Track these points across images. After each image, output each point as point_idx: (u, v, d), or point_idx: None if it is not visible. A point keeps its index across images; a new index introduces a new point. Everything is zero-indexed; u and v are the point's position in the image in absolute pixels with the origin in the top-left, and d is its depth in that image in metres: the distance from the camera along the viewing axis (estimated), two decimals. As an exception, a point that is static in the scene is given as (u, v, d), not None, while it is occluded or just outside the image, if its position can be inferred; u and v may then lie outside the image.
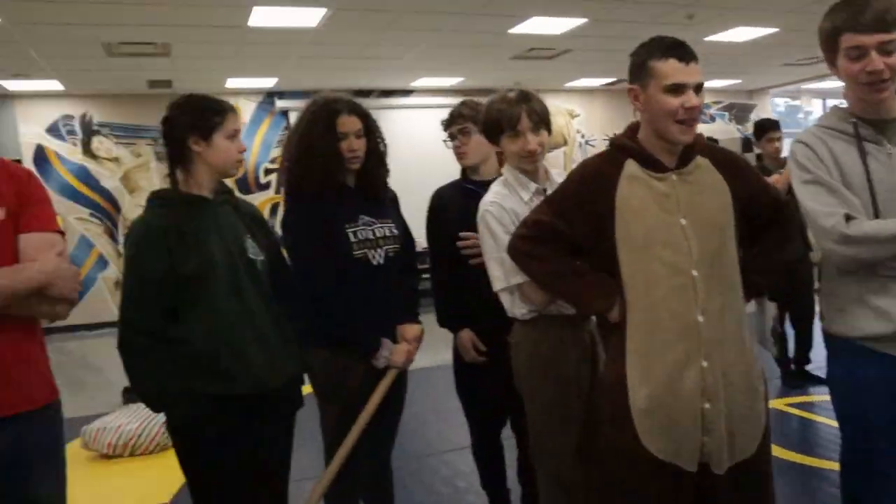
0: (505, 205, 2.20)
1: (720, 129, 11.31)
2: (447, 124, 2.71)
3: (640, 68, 1.84)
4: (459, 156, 2.70)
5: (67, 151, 8.55)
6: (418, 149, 9.07)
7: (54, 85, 7.87)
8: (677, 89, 1.79)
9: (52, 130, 8.48)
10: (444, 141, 2.75)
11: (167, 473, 3.72)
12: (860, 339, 1.87)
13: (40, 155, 8.42)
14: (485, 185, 2.38)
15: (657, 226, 1.85)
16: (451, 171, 2.82)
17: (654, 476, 1.84)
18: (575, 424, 2.09)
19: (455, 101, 2.84)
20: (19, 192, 1.80)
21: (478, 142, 2.58)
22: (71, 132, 8.55)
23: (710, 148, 1.98)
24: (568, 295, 2.02)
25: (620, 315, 1.88)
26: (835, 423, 2.09)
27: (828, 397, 2.08)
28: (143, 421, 4.17)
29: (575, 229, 1.91)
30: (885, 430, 1.87)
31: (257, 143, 9.20)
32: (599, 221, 1.88)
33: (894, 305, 1.81)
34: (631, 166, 1.89)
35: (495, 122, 2.24)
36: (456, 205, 2.63)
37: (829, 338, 1.99)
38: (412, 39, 6.94)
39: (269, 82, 8.59)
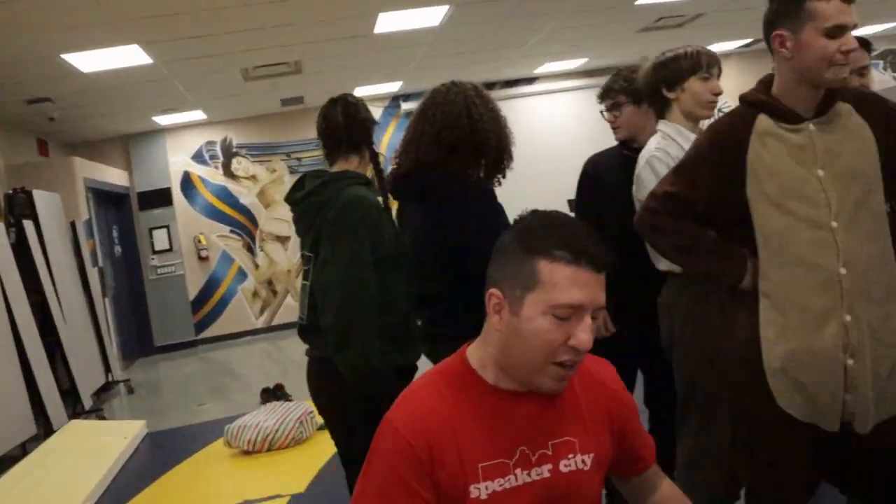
0: (670, 151, 2.20)
1: (874, 80, 10.41)
2: (601, 97, 2.72)
3: (794, 10, 1.69)
4: (614, 129, 2.71)
5: (210, 174, 9.17)
6: (546, 135, 9.00)
7: (198, 115, 8.42)
8: (839, 31, 1.65)
9: (197, 156, 9.13)
10: (601, 112, 2.76)
11: (303, 464, 4.04)
12: None
13: (186, 180, 9.10)
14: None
15: (792, 180, 1.75)
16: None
17: (795, 440, 1.77)
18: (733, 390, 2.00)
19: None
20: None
21: (630, 113, 2.61)
22: (213, 156, 9.17)
23: (853, 92, 1.85)
24: (698, 270, 1.97)
25: (752, 283, 1.81)
26: None
27: None
28: (280, 418, 4.43)
29: (706, 195, 1.84)
30: None
31: (383, 147, 9.44)
32: (732, 183, 1.80)
33: None
34: (763, 122, 1.80)
35: (681, 66, 2.26)
36: (613, 171, 2.63)
37: None
38: (534, 24, 6.83)
39: (394, 86, 8.75)
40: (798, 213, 1.75)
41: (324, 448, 4.13)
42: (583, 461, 1.36)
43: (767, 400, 1.77)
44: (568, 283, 1.24)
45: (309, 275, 2.17)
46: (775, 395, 1.76)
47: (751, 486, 1.93)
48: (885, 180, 1.79)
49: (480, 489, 1.28)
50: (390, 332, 2.08)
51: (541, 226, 1.30)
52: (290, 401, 5.06)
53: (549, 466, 1.33)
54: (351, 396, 2.06)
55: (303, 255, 2.24)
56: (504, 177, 2.44)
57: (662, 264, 2.33)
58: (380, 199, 2.25)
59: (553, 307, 1.25)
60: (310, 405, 4.42)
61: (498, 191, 2.48)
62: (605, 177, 2.67)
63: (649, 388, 2.79)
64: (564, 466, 1.34)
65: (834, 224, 1.73)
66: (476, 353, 1.38)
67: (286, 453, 4.31)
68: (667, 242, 1.92)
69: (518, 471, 1.31)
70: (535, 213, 1.34)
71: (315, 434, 4.50)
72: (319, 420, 4.41)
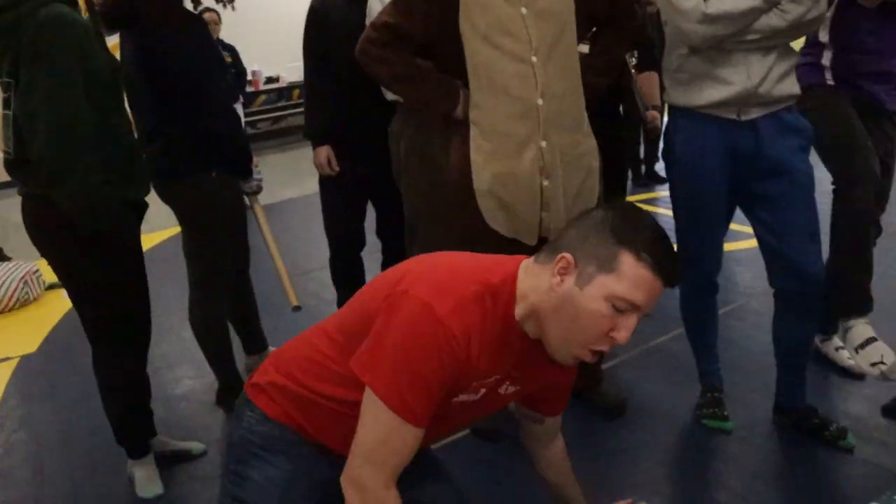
0: None
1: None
2: None
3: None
4: None
5: None
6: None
7: None
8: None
9: None
10: None
11: (32, 325, 3.87)
12: (703, 108, 2.08)
13: None
14: None
15: (499, 16, 1.92)
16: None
17: (500, 249, 2.01)
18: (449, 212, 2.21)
19: None
20: None
21: None
22: None
23: None
24: (414, 98, 2.11)
25: (463, 113, 1.99)
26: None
27: (668, 193, 2.32)
28: (0, 279, 4.14)
29: (423, 26, 1.96)
30: (711, 188, 2.15)
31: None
32: (446, 16, 1.93)
33: (733, 74, 2.02)
34: None
35: None
36: (339, 7, 2.66)
37: (673, 111, 2.20)
38: None
39: None
40: (503, 47, 1.92)
41: (55, 307, 3.97)
42: (515, 392, 1.53)
43: (478, 219, 2.01)
44: (641, 284, 1.30)
45: (11, 103, 1.97)
46: (484, 214, 2.00)
47: None
48: (579, 23, 2.02)
49: (460, 398, 1.41)
50: (112, 164, 1.99)
51: (639, 223, 1.34)
52: (9, 260, 4.68)
53: (503, 388, 1.48)
54: (72, 234, 1.97)
55: (1, 82, 2.03)
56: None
57: (390, 95, 2.49)
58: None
59: (618, 297, 1.29)
60: (35, 264, 4.16)
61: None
62: (332, 13, 2.70)
63: (381, 220, 3.00)
64: (503, 391, 1.49)
65: (534, 59, 1.93)
66: (524, 288, 1.39)
67: (13, 315, 4.07)
68: (385, 72, 2.01)
69: (483, 390, 1.44)
70: (635, 208, 1.40)
71: (44, 294, 4.26)
72: (48, 279, 4.21)
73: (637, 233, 1.32)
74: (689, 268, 2.32)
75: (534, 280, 1.38)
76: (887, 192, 2.57)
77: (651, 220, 1.36)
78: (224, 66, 2.39)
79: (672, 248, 1.36)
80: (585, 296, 1.31)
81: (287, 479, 1.54)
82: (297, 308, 2.43)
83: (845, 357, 2.69)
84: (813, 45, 2.49)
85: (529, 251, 2.03)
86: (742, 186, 2.15)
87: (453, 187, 2.05)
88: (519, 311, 1.38)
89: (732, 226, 2.36)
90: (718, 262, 2.33)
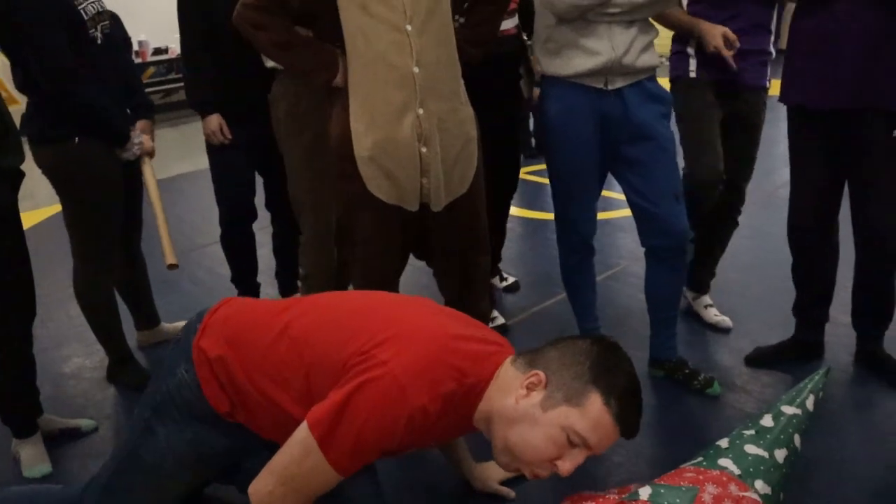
0: None
1: None
2: None
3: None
4: None
5: None
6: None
7: None
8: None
9: None
10: None
11: None
12: (572, 77, 2.21)
13: None
14: None
15: None
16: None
17: (384, 219, 2.10)
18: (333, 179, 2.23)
19: None
20: None
21: None
22: None
23: None
24: (293, 66, 2.13)
25: (343, 80, 2.03)
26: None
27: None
28: None
29: None
30: (582, 153, 2.28)
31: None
32: None
33: (599, 44, 2.15)
34: None
35: None
36: None
37: (545, 79, 2.32)
38: None
39: None
40: (380, 16, 1.96)
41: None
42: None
43: (360, 186, 2.05)
44: (600, 427, 1.36)
45: None
46: (366, 182, 2.04)
47: (350, 261, 2.24)
48: None
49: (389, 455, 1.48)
50: None
51: (618, 369, 1.40)
52: None
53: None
54: None
55: None
56: None
57: (269, 62, 2.48)
58: None
59: (575, 432, 1.36)
60: None
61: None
62: None
63: (269, 190, 2.98)
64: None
65: (409, 27, 1.98)
66: (493, 391, 1.45)
67: None
68: (264, 38, 2.01)
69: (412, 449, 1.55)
70: (619, 351, 1.44)
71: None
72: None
73: (613, 378, 1.38)
74: (565, 231, 2.46)
75: (504, 385, 1.44)
76: (741, 184, 2.79)
77: (630, 368, 1.43)
78: (83, 29, 2.28)
79: (639, 404, 1.42)
80: (545, 419, 1.37)
81: (189, 451, 1.57)
82: (172, 266, 2.38)
83: (713, 314, 2.91)
84: (682, 35, 2.65)
85: (411, 216, 2.11)
86: (612, 152, 2.30)
87: (336, 156, 2.08)
88: (479, 412, 1.46)
89: (614, 195, 2.50)
90: (593, 225, 2.47)
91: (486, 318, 2.61)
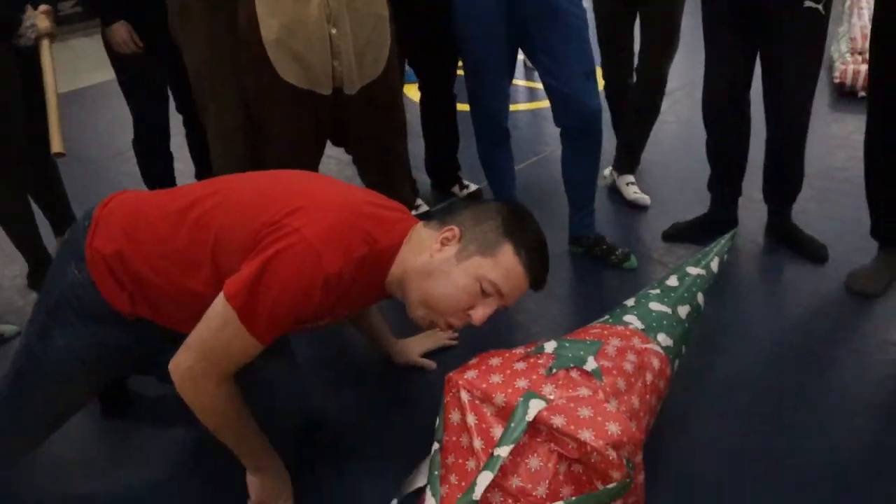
0: None
1: None
2: None
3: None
4: None
5: None
6: None
7: None
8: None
9: None
10: None
11: None
12: None
13: None
14: None
15: None
16: None
17: (295, 109, 2.06)
18: (232, 73, 2.16)
19: None
20: None
21: None
22: None
23: None
24: None
25: None
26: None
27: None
28: None
29: None
30: (488, 33, 2.28)
31: None
32: None
33: None
34: None
35: None
36: None
37: None
38: None
39: None
40: None
41: None
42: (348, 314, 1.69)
43: (270, 72, 2.01)
44: (511, 276, 1.43)
45: None
46: (275, 66, 2.00)
47: (265, 157, 2.20)
48: None
49: (305, 326, 1.48)
50: None
51: (527, 226, 1.47)
52: None
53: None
54: None
55: None
56: None
57: None
58: None
59: (489, 280, 1.41)
60: None
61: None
62: None
63: (178, 99, 2.85)
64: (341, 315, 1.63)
65: None
66: (405, 251, 1.49)
67: None
68: None
69: (326, 320, 1.54)
70: (528, 214, 1.51)
71: None
72: None
73: (523, 233, 1.46)
74: (479, 114, 2.46)
75: (417, 246, 1.49)
76: (662, 68, 2.81)
77: (537, 227, 1.51)
78: None
79: (547, 257, 1.51)
80: (459, 269, 1.43)
81: (88, 353, 1.53)
82: (58, 154, 2.28)
83: (633, 191, 2.98)
84: None
85: (324, 101, 2.08)
86: (521, 32, 2.27)
87: (243, 45, 2.02)
88: (392, 275, 1.49)
89: (540, 85, 2.48)
90: (505, 107, 2.47)
91: (409, 205, 2.63)
